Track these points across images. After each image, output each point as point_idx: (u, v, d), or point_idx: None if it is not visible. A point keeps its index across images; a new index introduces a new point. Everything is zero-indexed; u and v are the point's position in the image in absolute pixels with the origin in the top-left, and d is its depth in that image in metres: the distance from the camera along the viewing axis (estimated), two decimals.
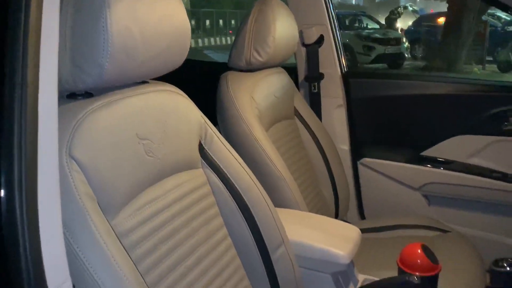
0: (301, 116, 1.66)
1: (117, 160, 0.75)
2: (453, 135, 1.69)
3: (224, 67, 1.47)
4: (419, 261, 1.11)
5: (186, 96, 0.98)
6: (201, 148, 0.99)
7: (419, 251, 1.12)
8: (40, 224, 0.48)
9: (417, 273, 1.09)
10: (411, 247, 1.14)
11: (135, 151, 0.80)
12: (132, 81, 0.84)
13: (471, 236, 1.60)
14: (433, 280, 1.11)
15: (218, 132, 1.04)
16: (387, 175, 1.80)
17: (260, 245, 1.02)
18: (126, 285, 0.66)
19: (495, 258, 1.08)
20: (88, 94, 0.79)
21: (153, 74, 0.87)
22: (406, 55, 10.03)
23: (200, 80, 1.76)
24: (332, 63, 1.78)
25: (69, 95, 0.78)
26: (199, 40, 13.72)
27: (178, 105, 0.94)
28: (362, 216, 1.87)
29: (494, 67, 8.78)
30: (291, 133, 1.60)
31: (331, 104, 1.80)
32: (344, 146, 1.82)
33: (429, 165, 1.74)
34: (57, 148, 0.57)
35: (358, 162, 1.84)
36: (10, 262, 0.46)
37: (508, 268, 0.98)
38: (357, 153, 1.83)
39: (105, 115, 0.75)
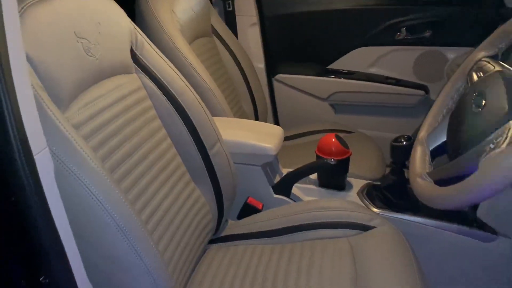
0: (219, 34, 1.71)
1: (59, 54, 0.76)
2: (355, 48, 1.88)
3: None
4: (333, 148, 1.30)
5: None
6: (133, 54, 1.02)
7: (333, 139, 1.30)
8: (17, 91, 0.51)
9: (332, 158, 1.27)
10: (326, 138, 1.32)
11: (75, 49, 0.81)
12: None
13: (371, 135, 1.85)
14: (345, 162, 1.31)
15: (148, 39, 1.07)
16: (298, 88, 1.96)
17: (198, 143, 1.10)
18: (89, 163, 0.71)
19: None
20: None
21: None
22: None
23: None
24: None
25: None
26: None
27: (109, 8, 0.95)
28: None
29: None
30: (211, 50, 1.66)
31: (246, 23, 1.87)
32: (259, 64, 1.92)
33: (334, 77, 1.93)
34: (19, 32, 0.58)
35: (272, 78, 1.96)
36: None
37: (404, 143, 1.19)
38: (271, 69, 1.95)
39: (43, 10, 0.75)
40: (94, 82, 0.87)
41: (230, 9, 1.82)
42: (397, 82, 1.88)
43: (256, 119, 1.82)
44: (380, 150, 1.66)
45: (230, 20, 1.84)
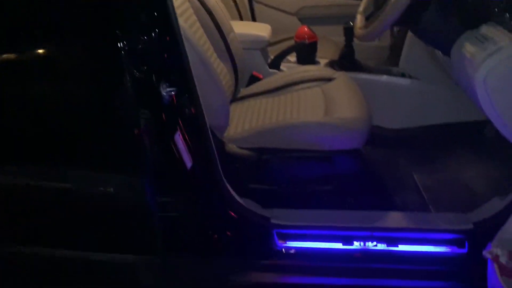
0: None
1: None
2: None
3: None
4: (306, 35, 1.93)
5: None
6: None
7: (306, 29, 1.93)
8: None
9: (306, 40, 1.90)
10: (301, 28, 1.94)
11: None
12: None
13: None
14: (315, 44, 1.95)
15: None
16: (272, 6, 2.55)
17: (220, 32, 1.69)
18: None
19: None
20: None
21: None
22: None
23: None
24: None
25: None
26: None
27: None
28: None
29: None
30: None
31: None
32: None
33: None
34: None
35: (253, 0, 2.54)
36: None
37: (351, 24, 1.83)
38: None
39: None
40: None
41: None
42: None
43: None
44: (335, 44, 2.30)
45: None
